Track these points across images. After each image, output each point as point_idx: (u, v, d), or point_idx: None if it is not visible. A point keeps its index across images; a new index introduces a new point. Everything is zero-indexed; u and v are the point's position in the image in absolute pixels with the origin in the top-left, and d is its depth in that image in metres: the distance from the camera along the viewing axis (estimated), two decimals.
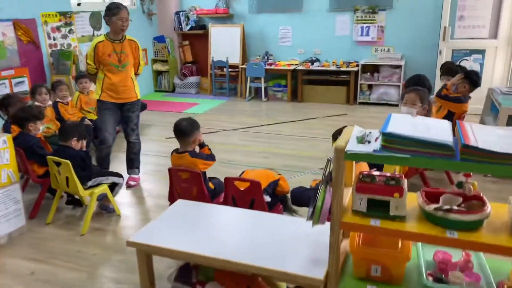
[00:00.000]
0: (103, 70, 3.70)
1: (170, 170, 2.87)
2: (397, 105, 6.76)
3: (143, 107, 5.99)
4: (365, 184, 1.77)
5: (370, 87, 6.97)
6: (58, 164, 3.10)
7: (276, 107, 6.99)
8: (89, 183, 3.19)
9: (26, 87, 5.51)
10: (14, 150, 3.17)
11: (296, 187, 2.94)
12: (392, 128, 1.69)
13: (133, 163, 4.02)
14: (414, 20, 6.76)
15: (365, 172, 1.85)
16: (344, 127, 2.87)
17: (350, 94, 6.97)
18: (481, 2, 6.04)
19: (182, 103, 7.34)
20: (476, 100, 6.19)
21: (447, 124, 1.76)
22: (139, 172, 4.09)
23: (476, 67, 6.18)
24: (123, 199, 3.70)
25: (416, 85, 3.54)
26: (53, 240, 3.07)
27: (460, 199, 1.74)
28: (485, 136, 1.64)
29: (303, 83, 7.25)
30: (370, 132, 1.88)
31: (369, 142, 1.78)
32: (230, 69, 7.69)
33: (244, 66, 7.48)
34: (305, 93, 7.26)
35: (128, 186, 3.94)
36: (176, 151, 2.93)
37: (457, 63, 6.21)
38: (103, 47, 3.64)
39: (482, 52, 6.16)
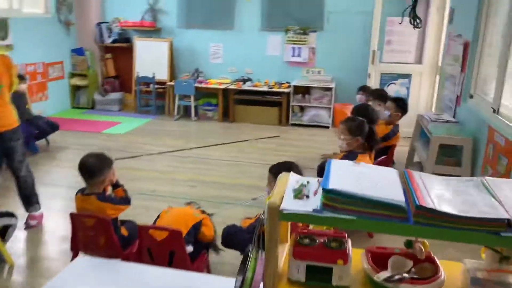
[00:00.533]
0: None
1: (72, 215, 2.38)
2: (328, 127, 6.71)
3: (55, 127, 5.35)
4: (303, 249, 1.46)
5: (302, 108, 6.86)
6: None
7: (206, 128, 6.62)
8: None
9: None
10: None
11: (229, 224, 2.59)
12: (334, 182, 1.40)
13: (30, 199, 3.39)
14: (344, 43, 6.79)
15: (304, 231, 1.56)
16: (283, 163, 2.58)
17: (282, 115, 6.81)
18: (408, 28, 6.19)
19: (103, 121, 6.71)
20: (405, 123, 6.32)
21: (395, 175, 1.52)
22: (40, 207, 3.46)
23: (403, 91, 6.31)
24: (18, 244, 3.10)
25: (360, 115, 3.38)
26: None
27: (411, 263, 1.50)
28: (439, 190, 1.41)
29: (234, 102, 6.98)
30: (308, 182, 1.59)
31: (307, 196, 1.48)
32: (157, 86, 7.21)
33: (172, 83, 7.04)
34: (236, 113, 6.98)
35: (27, 227, 3.33)
36: (81, 191, 2.45)
37: (385, 87, 6.32)
38: None
39: (408, 76, 6.30)
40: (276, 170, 2.43)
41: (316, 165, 5.07)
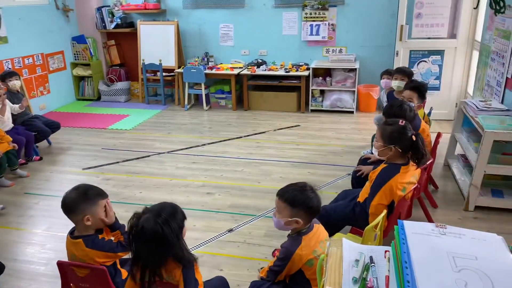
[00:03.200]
0: None
1: (60, 265, 1.94)
2: (352, 112, 6.15)
3: (55, 127, 4.93)
4: None
5: (322, 92, 6.29)
6: None
7: (219, 118, 6.12)
8: None
9: None
10: None
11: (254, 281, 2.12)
12: (423, 275, 0.91)
13: None
14: (368, 17, 6.14)
15: None
16: (295, 186, 1.99)
17: (301, 101, 6.25)
18: None
19: (109, 115, 6.25)
20: (437, 105, 5.72)
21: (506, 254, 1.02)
22: None
23: (435, 69, 5.69)
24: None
25: (392, 115, 2.82)
26: None
27: None
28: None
29: (249, 89, 6.43)
30: (370, 260, 1.11)
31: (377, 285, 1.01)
32: (164, 74, 6.70)
33: (180, 70, 6.51)
34: (251, 100, 6.45)
35: None
36: (71, 232, 2.00)
37: (415, 66, 5.70)
38: None
39: (441, 53, 5.65)
40: (290, 198, 1.94)
41: (343, 160, 4.55)
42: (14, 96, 4.65)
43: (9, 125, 4.39)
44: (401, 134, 2.46)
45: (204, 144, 5.02)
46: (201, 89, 6.44)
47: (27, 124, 4.63)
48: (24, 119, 4.68)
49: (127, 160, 4.57)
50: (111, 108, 6.60)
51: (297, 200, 1.91)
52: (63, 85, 6.76)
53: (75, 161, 4.60)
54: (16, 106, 4.52)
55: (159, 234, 1.61)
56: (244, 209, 3.47)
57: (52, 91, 6.46)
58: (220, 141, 5.13)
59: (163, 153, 4.77)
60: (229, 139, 5.18)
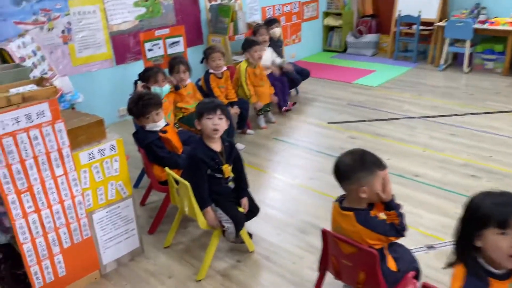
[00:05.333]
0: None
1: (324, 233, 1.75)
2: None
3: (305, 75, 4.90)
4: None
5: None
6: (177, 181, 2.29)
7: (483, 84, 5.08)
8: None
9: (181, 48, 4.94)
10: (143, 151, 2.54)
11: None
12: None
13: None
14: None
15: None
16: None
17: None
18: None
19: (354, 69, 5.97)
20: None
21: None
22: None
23: None
24: (263, 226, 2.75)
25: None
26: (161, 279, 2.35)
27: None
28: None
29: None
30: None
31: None
32: (421, 27, 5.91)
33: (442, 23, 5.61)
34: None
35: None
36: (339, 200, 1.76)
37: None
38: None
39: None
40: None
41: None
42: (274, 44, 4.78)
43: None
44: None
45: (464, 114, 4.22)
46: (464, 47, 5.44)
47: (282, 73, 4.74)
48: (281, 68, 4.79)
49: (374, 120, 4.21)
50: (356, 61, 6.30)
51: None
52: (313, 35, 6.78)
53: (320, 113, 4.52)
54: (278, 60, 4.58)
55: None
56: None
57: (302, 40, 6.56)
58: (486, 112, 4.22)
59: (414, 117, 4.21)
60: (497, 112, 4.21)
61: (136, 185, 3.23)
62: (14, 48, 3.19)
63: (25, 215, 1.97)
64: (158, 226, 2.73)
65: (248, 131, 4.13)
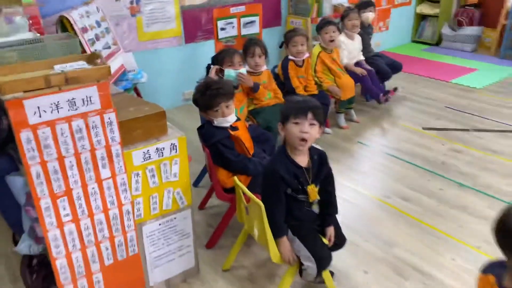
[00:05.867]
0: None
1: None
2: None
3: (397, 68, 4.21)
4: None
5: None
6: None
7: None
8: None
9: (256, 29, 4.44)
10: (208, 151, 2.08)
11: None
12: None
13: None
14: None
15: None
16: None
17: None
18: None
19: (450, 65, 5.15)
20: None
21: None
22: None
23: None
24: (346, 258, 2.21)
25: None
26: None
27: None
28: None
29: None
30: None
31: None
32: None
33: None
34: None
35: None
36: (496, 274, 1.17)
37: None
38: None
39: None
40: None
41: None
42: (364, 30, 4.13)
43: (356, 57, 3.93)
44: None
45: None
46: None
47: (369, 62, 4.10)
48: (366, 56, 4.15)
49: (481, 131, 3.47)
50: (454, 57, 5.45)
51: None
52: (403, 23, 5.98)
53: (412, 116, 3.84)
54: (361, 56, 3.97)
55: None
56: None
57: (390, 28, 5.79)
58: None
59: None
60: None
61: (196, 183, 2.81)
62: (76, 17, 2.85)
63: (60, 225, 1.57)
64: (218, 240, 2.27)
65: (326, 129, 3.57)
